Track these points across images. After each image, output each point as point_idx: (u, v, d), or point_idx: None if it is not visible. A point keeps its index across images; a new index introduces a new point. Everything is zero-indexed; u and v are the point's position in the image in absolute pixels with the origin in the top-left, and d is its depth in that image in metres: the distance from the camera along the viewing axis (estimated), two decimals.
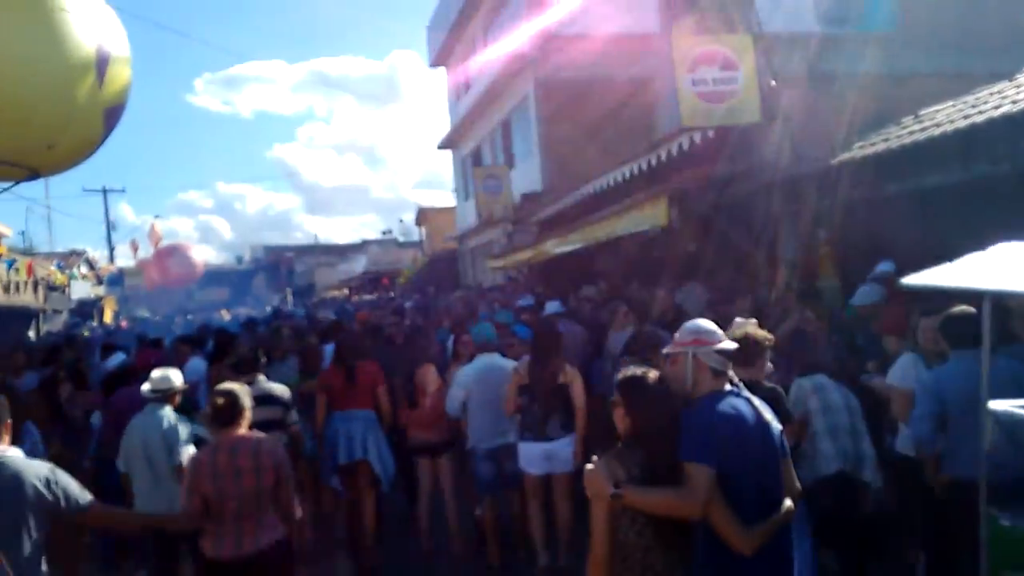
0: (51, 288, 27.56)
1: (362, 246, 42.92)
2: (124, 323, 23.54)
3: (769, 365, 3.79)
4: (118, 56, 5.91)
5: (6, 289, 23.47)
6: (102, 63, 5.68)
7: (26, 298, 26.15)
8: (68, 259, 31.83)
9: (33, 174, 6.25)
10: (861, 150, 6.21)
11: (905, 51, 9.50)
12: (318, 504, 6.11)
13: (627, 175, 8.77)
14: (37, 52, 5.34)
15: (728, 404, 2.70)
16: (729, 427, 2.63)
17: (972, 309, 3.76)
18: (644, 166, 8.24)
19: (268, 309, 21.07)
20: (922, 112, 6.40)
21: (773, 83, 7.04)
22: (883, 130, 6.51)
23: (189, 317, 23.57)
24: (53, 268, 26.74)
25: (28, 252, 30.23)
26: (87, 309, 27.99)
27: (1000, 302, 3.64)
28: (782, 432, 2.83)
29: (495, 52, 17.41)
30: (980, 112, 5.33)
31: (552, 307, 7.66)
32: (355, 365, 5.80)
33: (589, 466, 2.63)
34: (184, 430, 4.62)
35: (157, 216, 44.94)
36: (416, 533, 5.89)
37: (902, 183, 5.79)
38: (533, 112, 16.45)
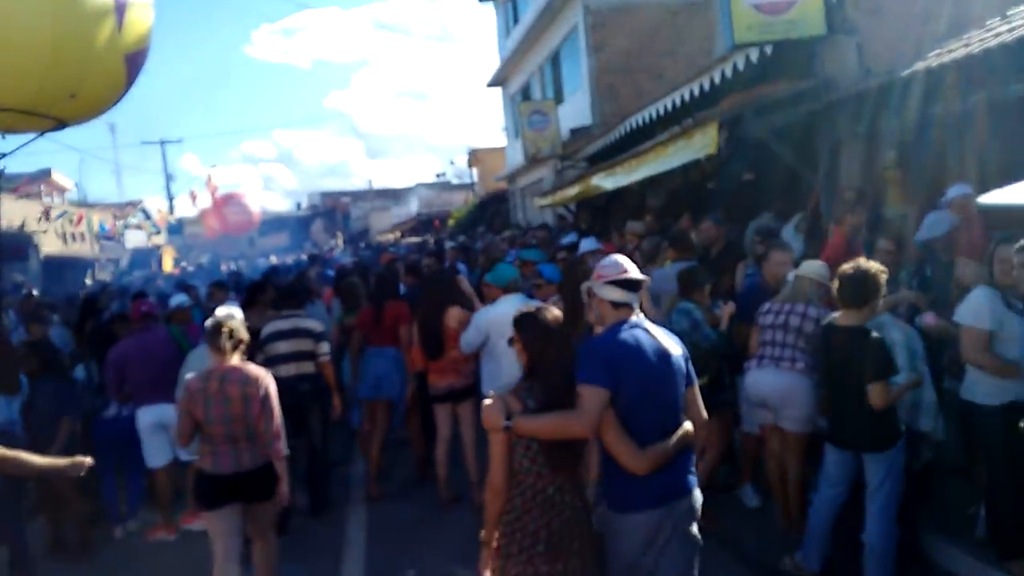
0: (107, 238, 28.39)
1: (415, 189, 42.74)
2: (176, 270, 24.27)
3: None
4: (136, 1, 5.83)
5: (63, 240, 24.28)
6: (120, 7, 5.66)
7: (82, 248, 27.06)
8: (124, 209, 32.70)
9: (59, 124, 6.29)
10: (938, 58, 5.49)
11: None
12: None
13: (676, 103, 8.17)
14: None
15: (626, 333, 2.77)
16: (624, 352, 2.71)
17: None
18: (697, 91, 7.62)
19: (304, 257, 21.35)
20: (1011, 12, 5.60)
21: None
22: (963, 35, 5.75)
23: (234, 266, 24.49)
24: (109, 217, 27.51)
25: (82, 203, 31.05)
26: (144, 258, 28.79)
27: None
28: (688, 359, 2.86)
29: None
30: None
31: (587, 244, 7.24)
32: (383, 304, 6.08)
33: (487, 401, 2.73)
34: None
35: (214, 166, 45.83)
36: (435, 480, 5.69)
37: (986, 93, 5.06)
38: (583, 42, 15.65)
